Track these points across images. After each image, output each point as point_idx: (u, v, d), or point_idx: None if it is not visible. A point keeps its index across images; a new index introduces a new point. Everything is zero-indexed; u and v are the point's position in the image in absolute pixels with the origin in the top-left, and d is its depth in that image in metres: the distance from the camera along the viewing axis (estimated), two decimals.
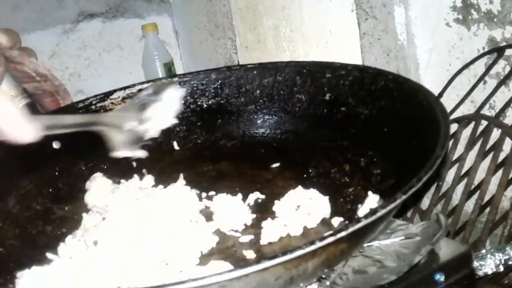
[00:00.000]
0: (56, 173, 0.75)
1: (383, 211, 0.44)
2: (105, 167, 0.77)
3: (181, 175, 0.71)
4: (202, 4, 1.27)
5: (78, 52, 1.38)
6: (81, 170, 0.77)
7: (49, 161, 0.75)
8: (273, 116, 0.82)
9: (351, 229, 0.43)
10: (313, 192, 0.63)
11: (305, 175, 0.71)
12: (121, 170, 0.75)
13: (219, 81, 0.84)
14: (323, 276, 0.53)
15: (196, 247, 0.58)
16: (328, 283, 0.52)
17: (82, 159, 0.78)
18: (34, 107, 0.95)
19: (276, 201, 0.64)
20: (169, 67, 1.36)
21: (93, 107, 0.81)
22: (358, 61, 0.89)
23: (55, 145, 0.75)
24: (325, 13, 0.91)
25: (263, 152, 0.79)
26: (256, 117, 0.83)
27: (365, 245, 0.57)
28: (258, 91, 0.83)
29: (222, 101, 0.84)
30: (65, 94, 0.98)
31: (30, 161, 0.71)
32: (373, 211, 0.44)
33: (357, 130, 0.72)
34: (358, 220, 0.43)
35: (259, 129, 0.82)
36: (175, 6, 1.44)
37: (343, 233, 0.42)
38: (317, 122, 0.77)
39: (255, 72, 0.83)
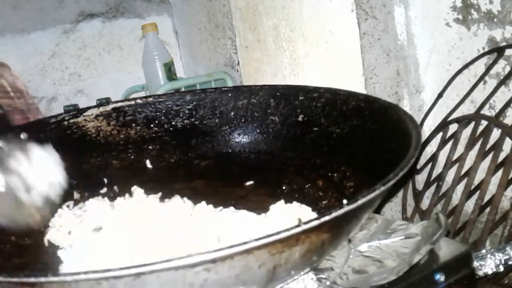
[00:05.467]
0: None
1: (363, 200, 0.45)
2: (76, 182, 0.76)
3: (159, 193, 0.70)
4: (202, 4, 1.27)
5: (78, 52, 1.38)
6: None
7: None
8: (247, 137, 0.83)
9: (334, 214, 0.43)
10: (296, 205, 0.62)
11: (278, 191, 0.72)
12: (91, 185, 0.75)
13: (194, 103, 0.85)
14: (323, 277, 0.53)
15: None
16: (328, 283, 0.52)
17: None
18: (5, 118, 0.94)
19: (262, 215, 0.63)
20: (169, 67, 1.35)
21: (65, 123, 0.80)
22: (358, 61, 0.89)
23: None
24: (325, 13, 0.91)
25: (237, 171, 0.80)
26: (230, 137, 0.84)
27: (365, 244, 0.57)
28: (232, 113, 0.84)
29: (196, 122, 0.85)
30: (36, 113, 0.97)
31: None
32: (354, 200, 0.45)
33: (329, 148, 0.74)
34: (341, 206, 0.44)
35: (233, 149, 0.83)
36: (175, 6, 1.44)
37: (327, 217, 0.43)
38: (291, 142, 0.79)
39: (230, 94, 0.85)
